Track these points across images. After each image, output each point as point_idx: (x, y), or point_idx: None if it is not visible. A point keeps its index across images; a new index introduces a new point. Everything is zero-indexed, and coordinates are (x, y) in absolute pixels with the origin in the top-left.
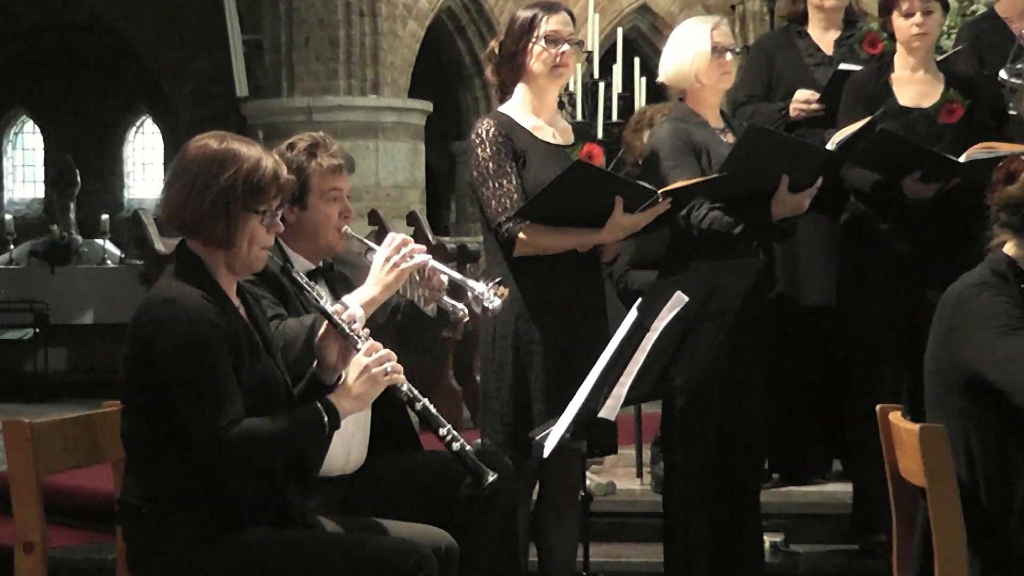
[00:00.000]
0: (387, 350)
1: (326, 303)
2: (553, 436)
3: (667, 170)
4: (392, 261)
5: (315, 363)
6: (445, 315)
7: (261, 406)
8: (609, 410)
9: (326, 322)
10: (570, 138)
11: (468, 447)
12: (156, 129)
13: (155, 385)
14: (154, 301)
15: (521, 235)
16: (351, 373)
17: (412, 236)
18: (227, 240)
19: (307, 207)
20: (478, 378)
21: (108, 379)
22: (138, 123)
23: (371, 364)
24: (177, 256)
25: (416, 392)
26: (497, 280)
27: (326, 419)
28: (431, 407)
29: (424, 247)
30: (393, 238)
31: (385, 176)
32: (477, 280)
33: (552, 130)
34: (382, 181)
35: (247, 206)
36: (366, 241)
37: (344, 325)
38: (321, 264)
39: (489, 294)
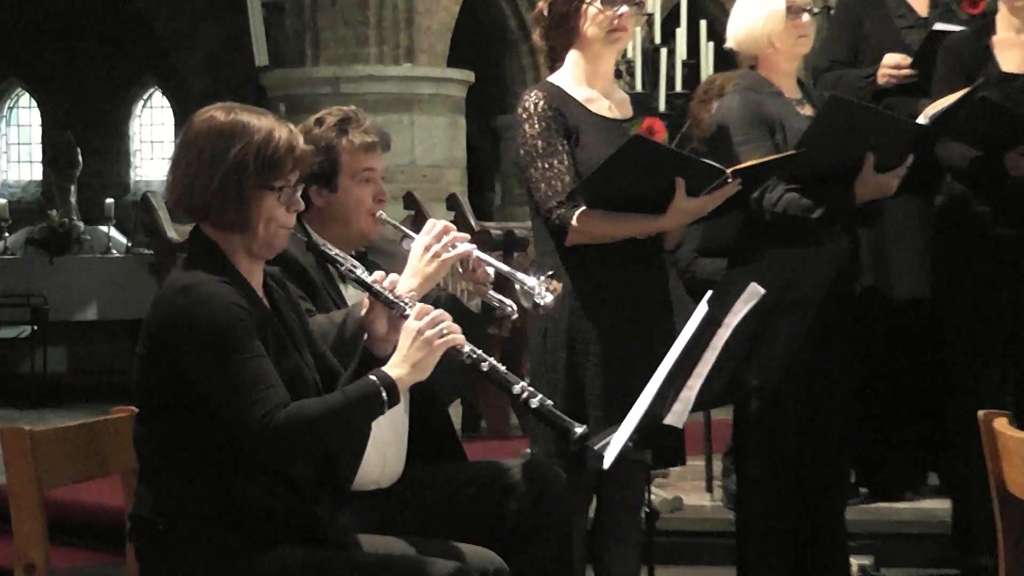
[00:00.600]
0: (440, 310)
1: (362, 274)
2: (613, 445)
3: (737, 146)
4: (432, 250)
5: (364, 337)
6: (491, 311)
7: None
8: (676, 416)
9: (366, 295)
10: (628, 111)
11: (548, 402)
12: (165, 103)
13: (177, 384)
14: (169, 292)
15: (574, 221)
16: (403, 341)
17: (453, 221)
18: (241, 222)
19: (337, 189)
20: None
21: (113, 381)
22: (145, 96)
23: (423, 327)
24: (191, 242)
25: (480, 352)
26: (550, 273)
27: (383, 393)
28: (499, 366)
29: (467, 235)
30: (433, 224)
31: (422, 154)
32: (527, 272)
33: (608, 102)
34: (418, 160)
35: (261, 183)
36: (403, 228)
37: (386, 292)
38: (353, 253)
39: (540, 289)
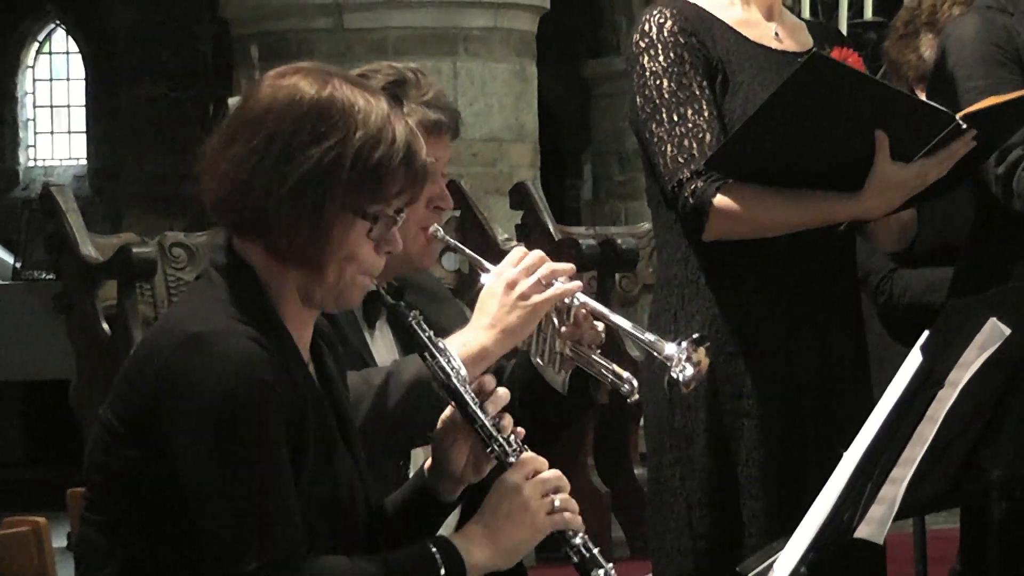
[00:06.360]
0: (555, 472)
1: (456, 369)
2: (780, 568)
3: (973, 96)
4: (519, 289)
5: (426, 463)
6: (583, 395)
7: (326, 534)
8: (874, 526)
9: (453, 410)
10: (806, 40)
11: None
12: (73, 46)
13: (159, 477)
14: (173, 334)
15: (718, 201)
16: (496, 503)
17: (521, 223)
18: (308, 254)
19: None
20: (638, 471)
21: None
22: (42, 36)
23: (530, 492)
24: (220, 262)
25: (596, 551)
26: (695, 336)
27: (443, 573)
28: None
29: (570, 266)
30: (522, 254)
31: (472, 121)
32: (646, 331)
33: (773, 27)
34: (465, 131)
35: (352, 203)
36: (472, 253)
37: (484, 418)
38: (385, 287)
39: (680, 356)
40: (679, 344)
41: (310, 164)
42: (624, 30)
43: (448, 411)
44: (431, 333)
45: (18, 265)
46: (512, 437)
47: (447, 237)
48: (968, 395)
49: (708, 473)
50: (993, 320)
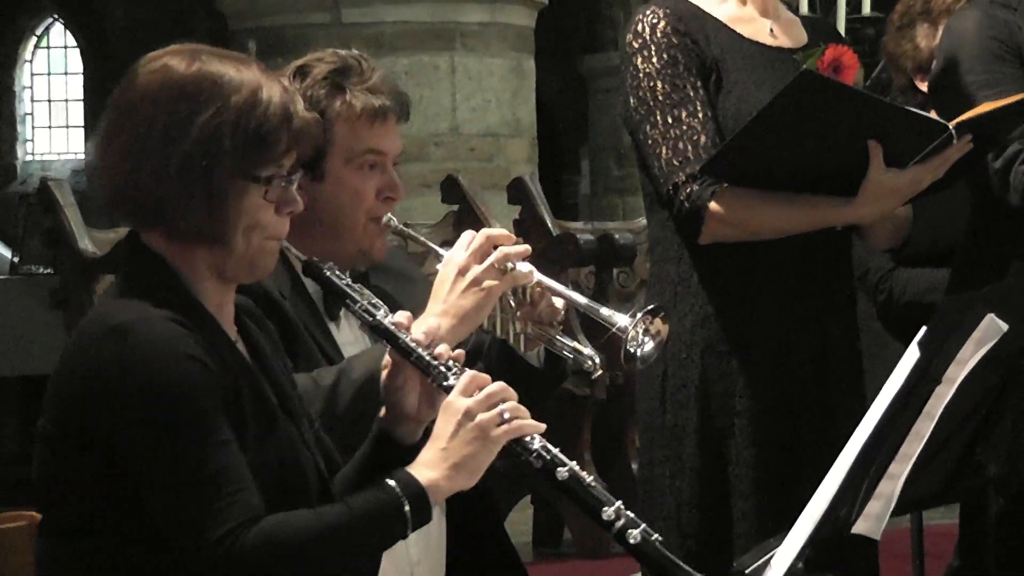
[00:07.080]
0: (500, 384)
1: (384, 317)
2: (775, 567)
3: (973, 90)
4: (471, 275)
5: (382, 412)
6: (559, 366)
7: (278, 504)
8: (870, 522)
9: (388, 350)
10: (801, 37)
11: (656, 536)
12: (71, 40)
13: (102, 478)
14: (92, 334)
15: (713, 204)
16: (443, 426)
17: (519, 220)
18: (209, 230)
19: (324, 178)
20: (634, 466)
21: None
22: (39, 31)
23: (475, 407)
24: (127, 258)
25: (556, 451)
26: (649, 307)
27: (406, 507)
28: (583, 474)
29: (524, 247)
30: (471, 237)
31: (469, 117)
32: (610, 305)
33: (768, 23)
34: (464, 126)
35: (241, 170)
36: (424, 240)
37: (419, 349)
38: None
39: (636, 331)
40: (633, 316)
41: (191, 140)
42: (621, 25)
43: (387, 356)
44: (348, 280)
45: (15, 260)
46: (450, 361)
47: (401, 226)
48: (965, 391)
49: (698, 472)
50: (990, 316)
